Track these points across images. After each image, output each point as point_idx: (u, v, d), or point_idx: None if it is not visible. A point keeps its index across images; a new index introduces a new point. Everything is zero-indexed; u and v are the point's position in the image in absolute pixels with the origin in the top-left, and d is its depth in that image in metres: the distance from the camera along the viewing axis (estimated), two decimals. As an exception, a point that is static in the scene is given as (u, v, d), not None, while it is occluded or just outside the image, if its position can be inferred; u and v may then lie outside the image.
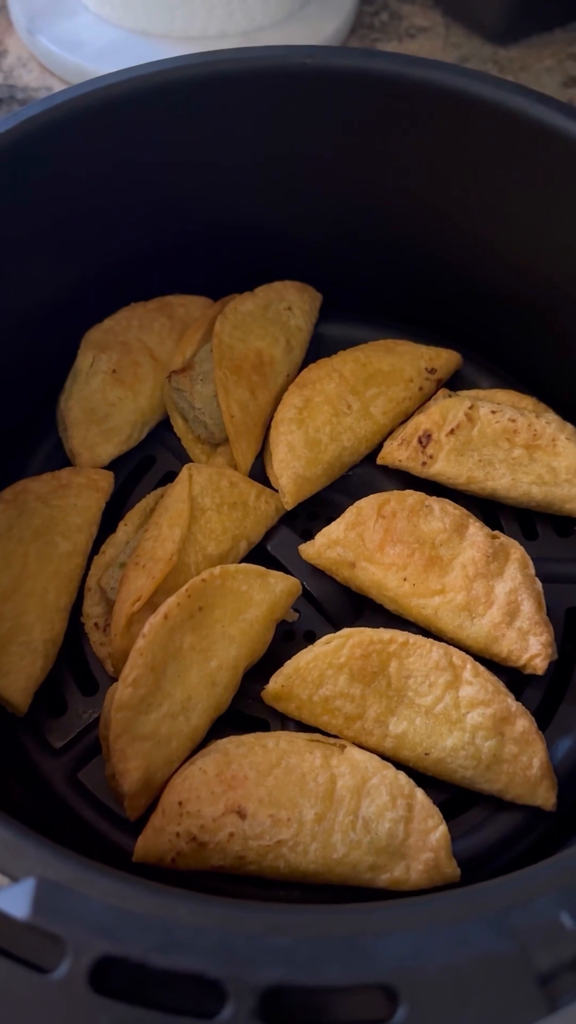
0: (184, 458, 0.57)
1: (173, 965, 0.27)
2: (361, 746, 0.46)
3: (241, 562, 0.51)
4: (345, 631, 0.48)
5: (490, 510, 0.56)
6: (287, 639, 0.52)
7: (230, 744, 0.45)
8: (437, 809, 0.43)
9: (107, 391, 0.55)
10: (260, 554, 0.54)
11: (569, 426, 0.54)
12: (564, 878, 0.29)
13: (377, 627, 0.48)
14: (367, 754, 0.45)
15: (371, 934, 0.28)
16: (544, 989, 0.27)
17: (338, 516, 0.52)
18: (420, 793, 0.44)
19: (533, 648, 0.47)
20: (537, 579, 0.50)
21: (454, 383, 0.60)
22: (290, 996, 0.27)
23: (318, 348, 0.61)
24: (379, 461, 0.56)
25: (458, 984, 0.27)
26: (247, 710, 0.49)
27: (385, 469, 0.57)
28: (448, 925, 0.28)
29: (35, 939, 0.27)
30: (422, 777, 0.45)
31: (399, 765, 0.45)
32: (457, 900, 0.29)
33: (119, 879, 0.29)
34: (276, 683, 0.47)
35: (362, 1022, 0.27)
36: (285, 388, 0.58)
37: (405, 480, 0.56)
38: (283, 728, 0.49)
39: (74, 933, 0.27)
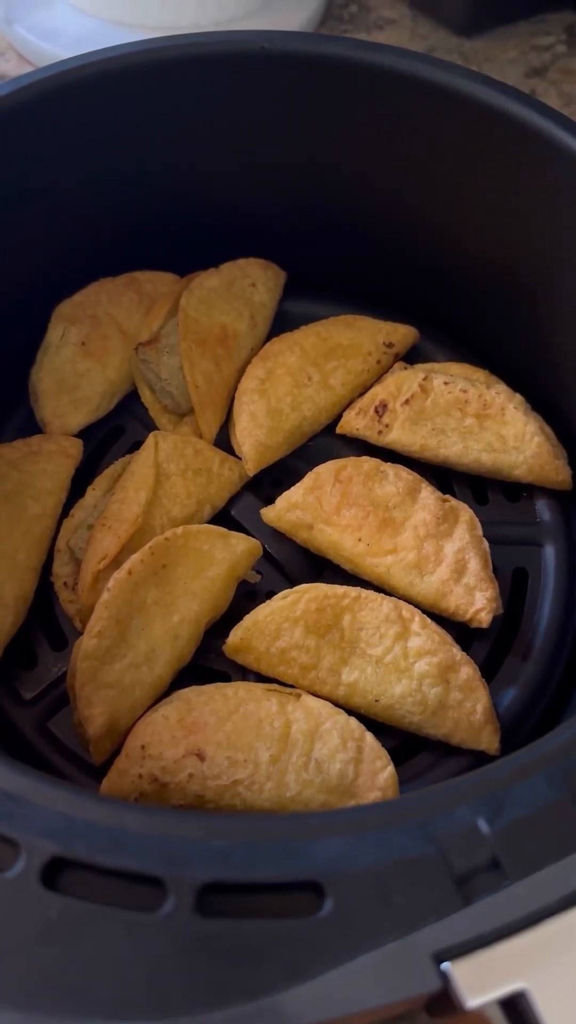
0: (152, 427, 0.59)
1: (118, 864, 0.29)
2: (316, 695, 0.48)
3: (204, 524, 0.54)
4: (301, 587, 0.50)
5: (444, 477, 0.58)
6: (249, 598, 0.54)
7: (191, 693, 0.47)
8: (385, 752, 0.46)
9: (77, 362, 0.57)
10: (224, 518, 0.56)
11: (517, 396, 0.57)
12: (482, 789, 0.32)
13: (333, 584, 0.51)
14: (321, 701, 0.47)
15: (303, 838, 0.30)
16: (461, 888, 0.30)
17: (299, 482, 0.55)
18: (370, 736, 0.46)
19: (479, 603, 0.50)
20: (484, 539, 0.52)
21: (411, 357, 0.63)
22: (225, 893, 0.29)
23: (282, 324, 0.63)
24: (338, 430, 0.59)
25: (381, 883, 0.29)
26: (209, 664, 0.52)
27: (344, 438, 0.59)
28: (375, 831, 0.31)
29: (-9, 843, 0.30)
30: (373, 724, 0.48)
31: (351, 712, 0.47)
32: (384, 809, 0.32)
33: (71, 790, 0.31)
34: (235, 636, 0.50)
35: (290, 916, 0.29)
36: (249, 361, 0.60)
37: (363, 448, 0.58)
38: (243, 681, 0.51)
39: (28, 837, 0.29)
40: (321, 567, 0.55)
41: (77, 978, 0.28)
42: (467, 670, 0.48)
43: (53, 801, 0.31)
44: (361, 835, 0.30)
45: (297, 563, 0.55)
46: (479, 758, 0.48)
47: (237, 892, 0.29)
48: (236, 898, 0.29)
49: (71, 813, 0.30)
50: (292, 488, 0.54)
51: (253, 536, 0.54)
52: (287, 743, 0.46)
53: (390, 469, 0.54)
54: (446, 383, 0.56)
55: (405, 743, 0.49)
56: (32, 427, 0.58)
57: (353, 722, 0.47)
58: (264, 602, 0.53)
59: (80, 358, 0.57)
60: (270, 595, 0.54)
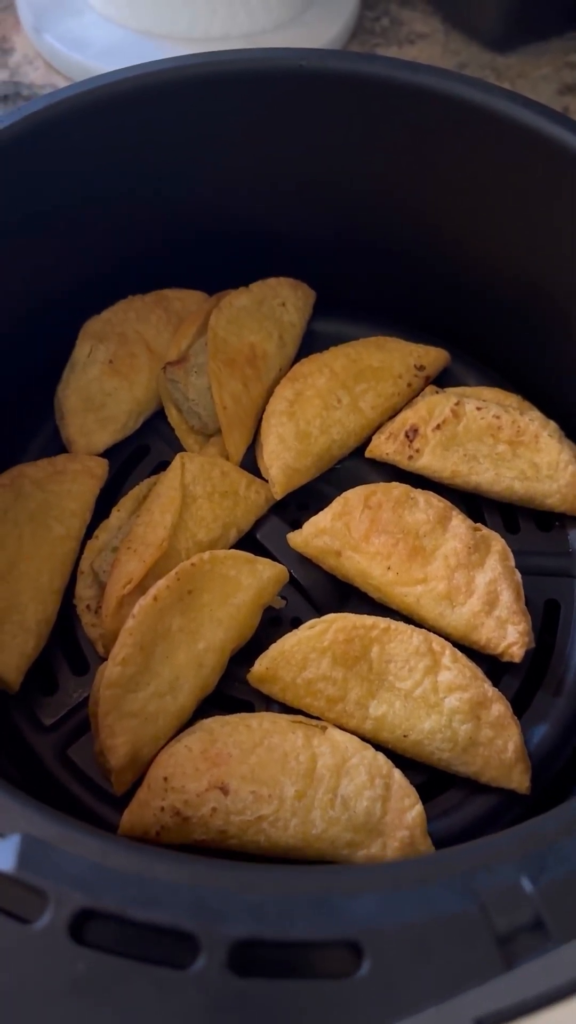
0: (177, 447, 0.58)
1: (149, 918, 0.28)
2: (342, 728, 0.47)
3: (230, 549, 0.53)
4: (329, 616, 0.49)
5: (474, 504, 0.57)
6: (274, 625, 0.54)
7: (215, 723, 0.47)
8: (414, 789, 0.45)
9: (104, 381, 0.57)
10: (249, 542, 0.55)
11: (552, 423, 0.56)
12: (525, 845, 0.31)
13: (361, 614, 0.50)
14: (347, 735, 0.46)
15: (339, 893, 0.29)
16: (502, 949, 0.29)
17: (326, 507, 0.54)
18: (398, 773, 0.45)
19: (511, 636, 0.49)
20: (516, 570, 0.51)
21: (442, 380, 0.62)
22: (259, 950, 0.28)
23: (311, 344, 0.62)
24: (367, 454, 0.58)
25: (420, 942, 0.28)
26: (233, 692, 0.51)
27: (373, 462, 0.58)
28: (413, 887, 0.30)
29: (19, 891, 0.29)
30: (400, 759, 0.47)
31: (378, 747, 0.46)
32: (423, 864, 0.31)
33: (100, 838, 0.30)
34: (261, 665, 0.49)
35: (328, 976, 0.28)
36: (277, 382, 0.59)
37: (392, 473, 0.57)
38: (267, 710, 0.50)
39: (56, 886, 0.29)
40: (348, 594, 0.54)
41: (105, 1037, 0.27)
42: (499, 707, 0.47)
43: (82, 848, 0.30)
44: (399, 891, 0.29)
45: (323, 589, 0.54)
46: (509, 796, 0.47)
47: (272, 949, 0.28)
48: (271, 955, 0.28)
49: (100, 861, 0.29)
50: (320, 513, 0.53)
51: (279, 561, 0.53)
52: (313, 778, 0.45)
53: (420, 496, 0.53)
54: (479, 408, 0.55)
55: (432, 779, 0.48)
56: (56, 445, 0.58)
57: (381, 758, 0.46)
58: (288, 629, 0.52)
59: (107, 376, 0.57)
60: (295, 621, 0.53)
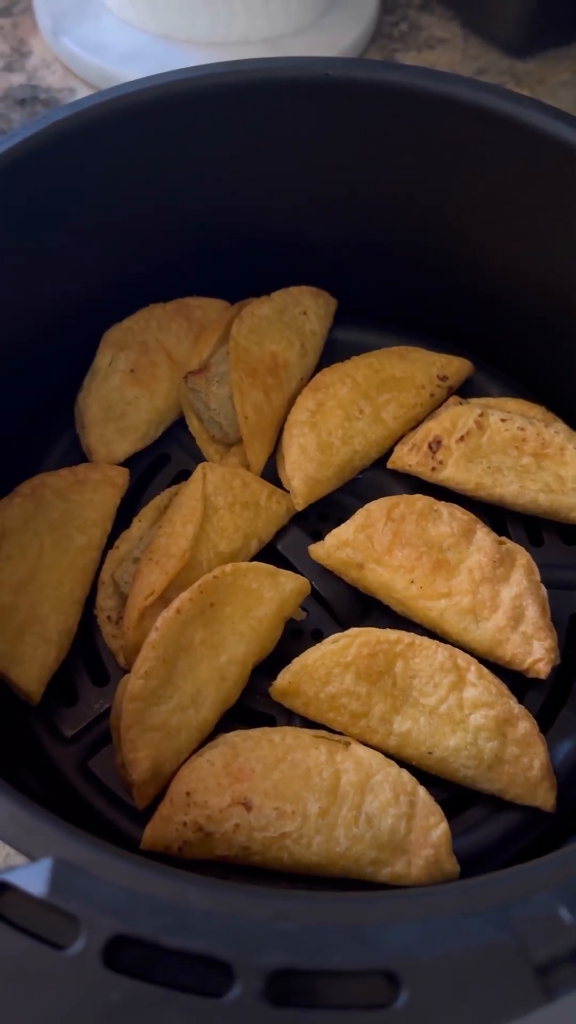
0: (198, 457, 0.58)
1: (183, 946, 0.28)
2: (365, 743, 0.47)
3: (252, 561, 0.52)
4: (353, 630, 0.49)
5: (498, 516, 0.57)
6: (295, 637, 0.53)
7: (237, 738, 0.46)
8: (438, 807, 0.44)
9: (124, 390, 0.56)
10: (270, 553, 0.55)
11: (577, 435, 0.55)
12: (563, 873, 0.30)
13: (384, 628, 0.49)
14: (371, 751, 0.46)
15: (375, 922, 0.29)
16: (541, 980, 0.28)
17: (348, 518, 0.53)
18: (422, 791, 0.45)
19: (537, 652, 0.48)
20: (542, 585, 0.51)
21: (465, 391, 0.61)
22: (296, 979, 0.28)
23: (332, 353, 0.62)
24: (389, 465, 0.57)
25: (458, 973, 0.28)
26: (254, 705, 0.50)
27: (395, 473, 0.58)
28: (449, 916, 0.29)
29: (51, 917, 0.28)
30: (424, 775, 0.46)
31: (402, 763, 0.46)
32: (459, 892, 0.30)
33: (133, 862, 0.30)
34: (284, 679, 0.48)
35: (364, 1006, 0.27)
36: (299, 391, 0.59)
37: (414, 485, 0.57)
38: (289, 724, 0.49)
39: (89, 912, 0.28)
40: (370, 607, 0.54)
41: (140, 1067, 0.26)
42: (525, 724, 0.46)
43: (115, 873, 0.29)
44: (436, 920, 0.29)
45: (345, 602, 0.54)
46: (534, 814, 0.47)
47: (308, 979, 0.28)
48: (306, 985, 0.28)
49: (134, 886, 0.29)
50: (342, 525, 0.53)
51: (300, 573, 0.52)
52: (336, 795, 0.44)
53: (444, 508, 0.53)
54: (503, 420, 0.55)
55: (456, 795, 0.48)
56: (76, 453, 0.57)
57: (405, 775, 0.45)
58: (310, 642, 0.52)
59: (128, 385, 0.56)
60: (316, 634, 0.53)
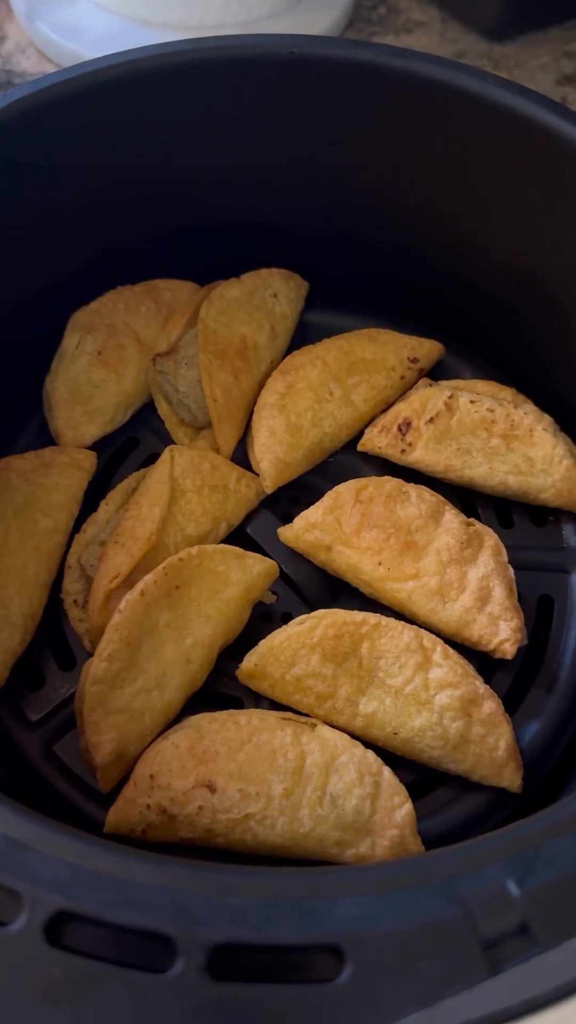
0: (168, 441, 0.58)
1: (127, 921, 0.28)
2: (332, 725, 0.46)
3: (221, 544, 0.52)
4: (319, 612, 0.48)
5: (468, 499, 0.57)
6: (265, 620, 0.53)
7: (203, 720, 0.46)
8: (403, 787, 0.44)
9: (92, 372, 0.56)
10: (240, 537, 0.54)
11: (546, 417, 0.55)
12: (512, 848, 0.30)
13: (352, 610, 0.49)
14: (337, 732, 0.45)
15: (321, 897, 0.29)
16: (487, 954, 0.28)
17: (317, 501, 0.53)
18: (387, 771, 0.45)
19: (503, 633, 0.48)
20: (509, 566, 0.50)
21: (436, 373, 0.61)
22: (239, 954, 0.27)
23: (303, 336, 0.61)
24: (359, 448, 0.57)
25: (403, 947, 0.28)
26: (221, 688, 0.50)
27: (365, 456, 0.57)
28: (397, 891, 0.29)
29: (-7, 894, 0.28)
30: (391, 757, 0.46)
31: (368, 744, 0.46)
32: (406, 867, 0.30)
33: (78, 838, 0.29)
34: (250, 661, 0.48)
35: (309, 981, 0.27)
36: (269, 374, 0.58)
37: (385, 467, 0.56)
38: (256, 707, 0.49)
39: (31, 888, 0.28)
40: (339, 589, 0.53)
41: (81, 1044, 0.26)
42: (490, 704, 0.46)
43: (59, 849, 0.29)
44: (383, 895, 0.29)
45: (314, 584, 0.54)
46: (501, 795, 0.47)
47: (251, 953, 0.28)
48: (250, 960, 0.28)
49: (78, 863, 0.29)
50: (311, 508, 0.53)
51: (269, 556, 0.52)
52: (301, 776, 0.44)
53: (413, 490, 0.52)
54: (472, 401, 0.55)
55: (423, 778, 0.48)
56: (45, 437, 0.57)
57: (370, 755, 0.45)
58: (279, 625, 0.51)
59: (96, 368, 0.56)
60: (285, 617, 0.53)
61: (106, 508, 0.53)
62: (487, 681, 0.48)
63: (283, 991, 0.27)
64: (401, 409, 0.56)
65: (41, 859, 0.29)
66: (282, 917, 0.28)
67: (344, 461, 0.58)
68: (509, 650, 0.48)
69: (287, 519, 0.55)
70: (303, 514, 0.53)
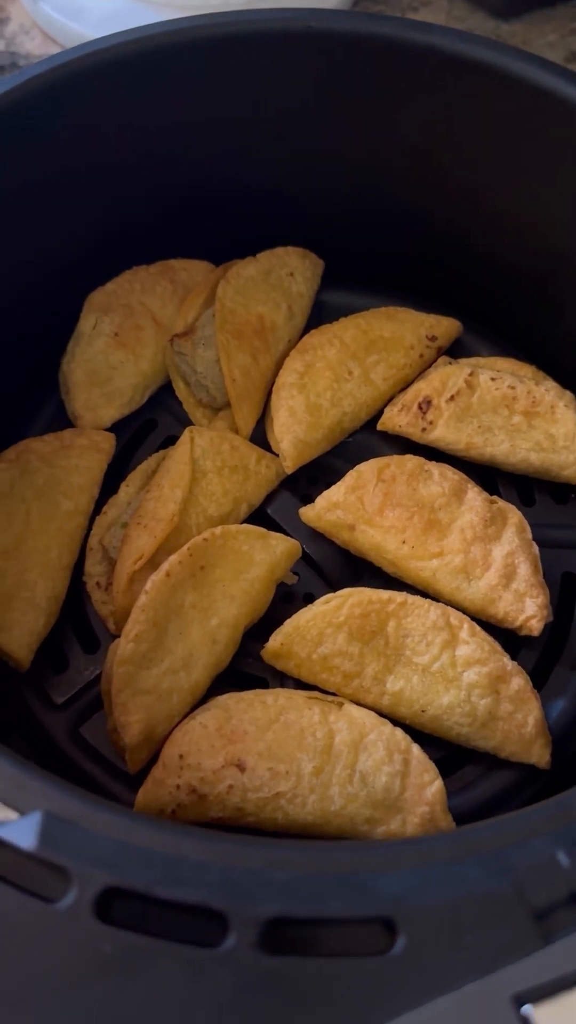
0: (185, 422, 0.57)
1: (177, 897, 0.27)
2: (359, 704, 0.46)
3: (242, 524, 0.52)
4: (344, 591, 0.48)
5: (489, 477, 0.56)
6: (286, 601, 0.53)
7: (230, 700, 0.46)
8: (433, 764, 0.44)
9: (109, 354, 0.55)
10: (260, 517, 0.54)
11: (568, 393, 0.55)
12: (560, 818, 0.30)
13: (376, 589, 0.49)
14: (364, 711, 0.45)
15: (372, 870, 0.28)
16: (539, 925, 0.28)
17: (337, 481, 0.53)
18: (416, 749, 0.44)
19: (529, 610, 0.48)
20: (534, 543, 0.50)
21: (454, 351, 0.60)
22: (291, 928, 0.27)
23: (319, 315, 0.61)
24: (379, 427, 0.57)
25: (455, 919, 0.28)
26: (247, 669, 0.50)
27: (384, 435, 0.57)
28: (446, 863, 0.29)
29: (41, 870, 0.28)
30: (418, 734, 0.46)
31: (396, 722, 0.46)
32: (455, 839, 0.30)
33: (125, 814, 0.29)
34: (276, 641, 0.48)
35: (361, 954, 0.27)
36: (286, 354, 0.58)
37: (404, 446, 0.56)
38: (281, 687, 0.49)
39: (80, 864, 0.28)
40: (361, 569, 0.53)
41: (134, 1019, 0.26)
42: (518, 681, 0.46)
43: (106, 825, 0.29)
44: (432, 866, 0.29)
45: (336, 564, 0.53)
46: (529, 771, 0.47)
47: (303, 927, 0.27)
48: (302, 933, 0.27)
49: (125, 839, 0.29)
50: (333, 487, 0.52)
51: (290, 536, 0.52)
52: (330, 754, 0.44)
53: (435, 468, 0.52)
54: (493, 379, 0.54)
55: (451, 755, 0.48)
56: (62, 420, 0.56)
57: (399, 733, 0.45)
58: (301, 605, 0.51)
59: (113, 349, 0.55)
60: (307, 597, 0.53)
61: (127, 490, 0.53)
62: (512, 658, 0.48)
63: (337, 964, 0.27)
64: (421, 387, 0.55)
65: (88, 835, 0.29)
66: (333, 890, 0.28)
67: (363, 441, 0.58)
68: (536, 627, 0.48)
69: (307, 500, 0.54)
70: (325, 494, 0.52)
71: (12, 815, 0.29)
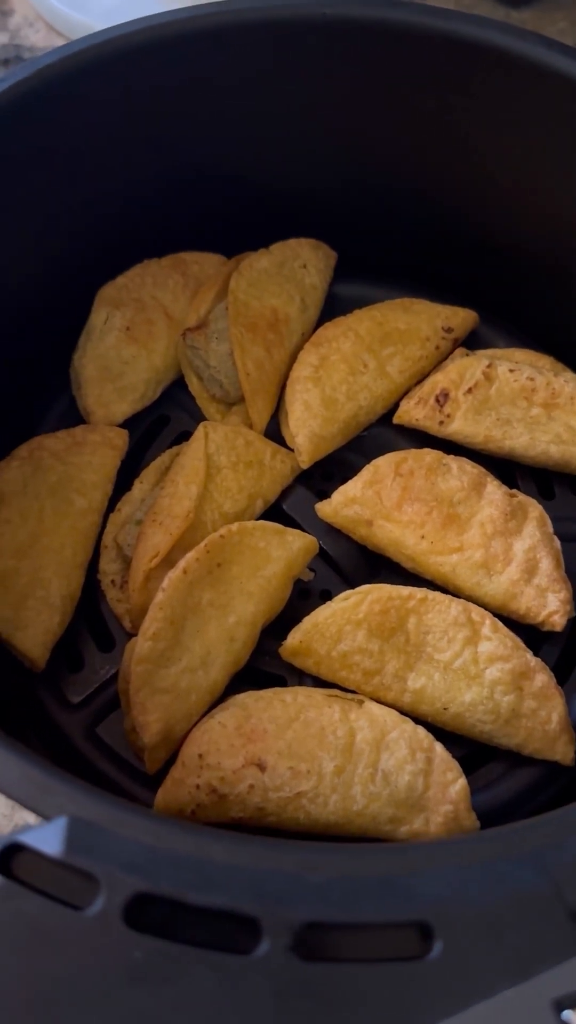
0: (199, 417, 0.56)
1: (208, 902, 0.27)
2: (379, 701, 0.46)
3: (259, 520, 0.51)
4: (364, 587, 0.48)
5: (507, 470, 0.56)
6: (303, 598, 0.52)
7: (248, 699, 0.45)
8: (456, 763, 0.44)
9: (121, 349, 0.55)
10: (276, 513, 0.53)
11: (587, 385, 0.54)
12: (596, 819, 0.29)
13: (396, 585, 0.48)
14: (386, 708, 0.45)
15: (406, 873, 0.28)
16: (577, 927, 0.27)
17: (353, 476, 0.52)
18: (439, 747, 0.44)
19: (551, 605, 0.47)
20: (555, 537, 0.50)
21: (471, 342, 0.60)
22: (325, 933, 0.27)
23: (333, 308, 0.60)
24: (396, 420, 0.56)
25: (492, 922, 0.27)
26: (264, 666, 0.49)
27: (400, 429, 0.56)
28: (482, 864, 0.28)
29: (68, 877, 0.27)
30: (440, 732, 0.45)
31: (418, 720, 0.45)
32: (490, 840, 0.29)
33: (151, 818, 0.29)
34: (294, 638, 0.47)
35: (398, 959, 0.27)
36: (300, 347, 0.57)
37: (420, 440, 0.55)
38: (300, 685, 0.48)
39: (108, 870, 0.27)
40: (378, 565, 0.52)
41: (167, 1027, 0.25)
42: (542, 677, 0.45)
43: (134, 830, 0.28)
44: (468, 868, 0.28)
45: (353, 561, 0.53)
46: (552, 768, 0.46)
47: (338, 932, 0.27)
48: (337, 939, 0.27)
49: (154, 843, 0.28)
50: (350, 482, 0.52)
51: (307, 532, 0.51)
52: (352, 753, 0.43)
53: (453, 462, 0.51)
54: (511, 370, 0.54)
55: (473, 752, 0.47)
56: (74, 415, 0.56)
57: (421, 731, 0.44)
58: (318, 602, 0.51)
59: (125, 344, 0.55)
60: (324, 594, 0.52)
61: (140, 487, 0.52)
62: (535, 654, 0.47)
63: (372, 969, 0.26)
64: (438, 380, 0.55)
65: (116, 841, 0.28)
66: (368, 894, 0.27)
67: (378, 435, 0.57)
68: (559, 622, 0.47)
69: (322, 495, 0.54)
70: (341, 489, 0.52)
71: (37, 820, 0.29)
